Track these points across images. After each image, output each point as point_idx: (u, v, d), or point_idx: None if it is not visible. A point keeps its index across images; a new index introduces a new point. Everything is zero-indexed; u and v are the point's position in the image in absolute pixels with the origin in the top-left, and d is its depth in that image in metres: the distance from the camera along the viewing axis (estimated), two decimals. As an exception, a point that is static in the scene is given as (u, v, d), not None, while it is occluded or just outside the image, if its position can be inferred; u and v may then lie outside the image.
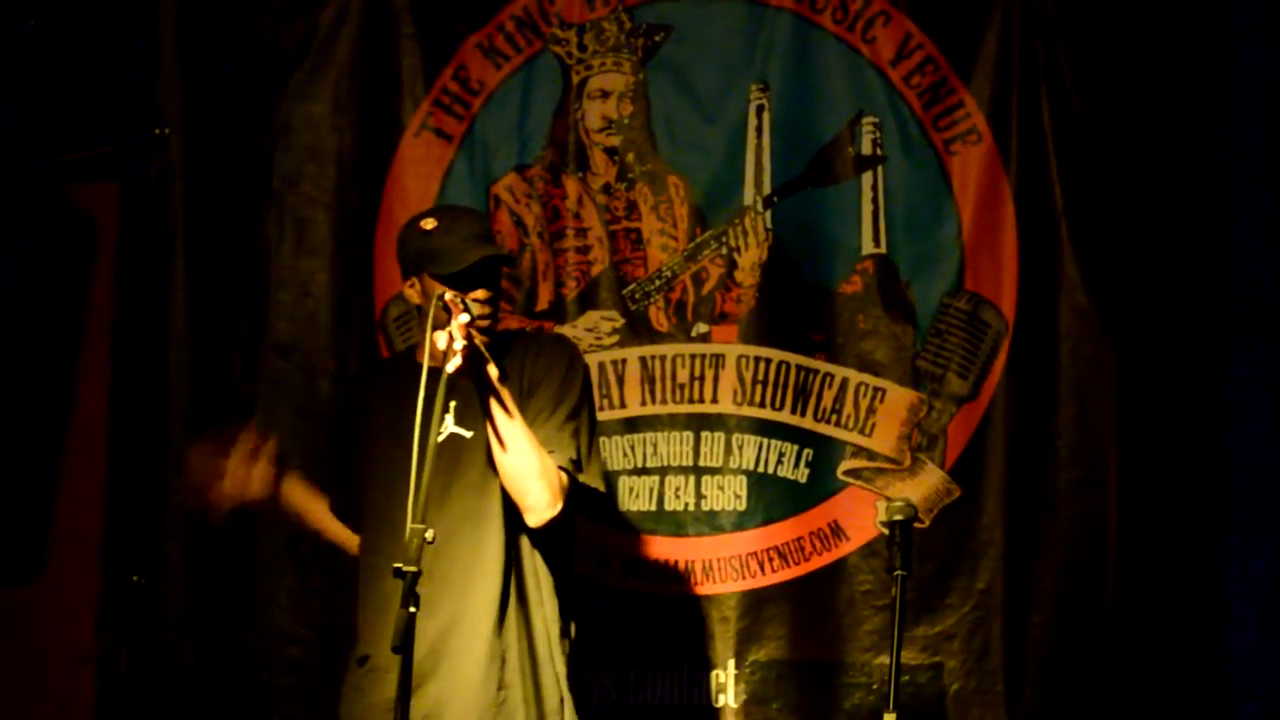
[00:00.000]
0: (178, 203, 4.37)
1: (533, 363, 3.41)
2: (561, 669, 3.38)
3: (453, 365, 3.08)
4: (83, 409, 4.40)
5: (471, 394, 3.22)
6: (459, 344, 3.07)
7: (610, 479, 4.29)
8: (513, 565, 3.33)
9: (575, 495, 3.36)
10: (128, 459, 4.34)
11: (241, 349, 4.36)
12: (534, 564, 3.37)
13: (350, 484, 3.53)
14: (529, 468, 3.26)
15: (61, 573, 4.37)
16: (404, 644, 2.88)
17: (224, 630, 4.26)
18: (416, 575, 2.90)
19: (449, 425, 3.26)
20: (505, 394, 3.24)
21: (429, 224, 3.39)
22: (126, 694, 4.25)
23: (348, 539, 3.60)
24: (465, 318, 3.09)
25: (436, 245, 3.35)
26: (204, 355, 4.35)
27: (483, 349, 3.17)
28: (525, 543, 3.36)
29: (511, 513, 3.33)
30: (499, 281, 3.43)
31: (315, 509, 3.64)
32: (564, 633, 3.42)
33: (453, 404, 3.20)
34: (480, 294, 3.34)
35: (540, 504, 3.28)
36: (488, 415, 3.23)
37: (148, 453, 4.30)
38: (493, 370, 3.20)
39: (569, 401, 3.39)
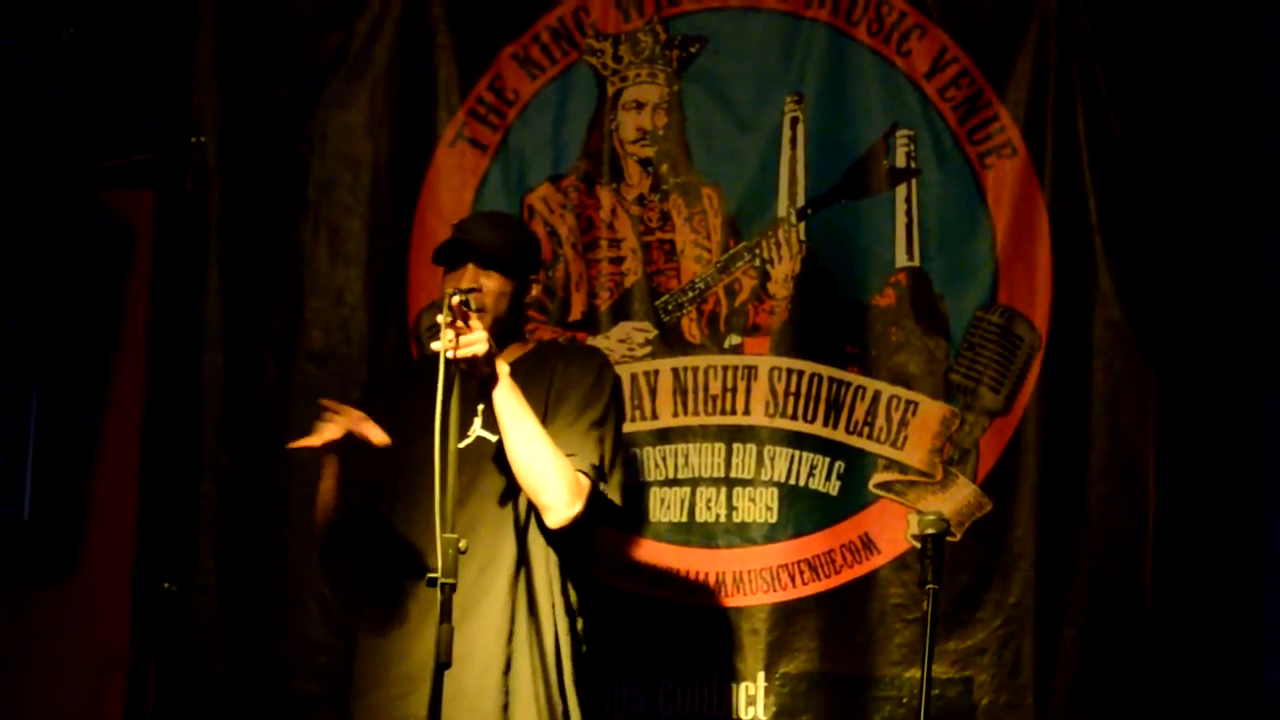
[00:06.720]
0: (213, 210, 4.37)
1: (563, 372, 3.42)
2: (570, 680, 3.37)
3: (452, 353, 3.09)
4: (117, 414, 4.41)
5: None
6: (453, 352, 3.09)
7: (635, 490, 4.28)
8: (521, 572, 3.32)
9: (594, 503, 3.35)
10: (161, 465, 4.35)
11: (275, 356, 4.36)
12: (547, 573, 3.36)
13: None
14: (544, 466, 3.25)
15: (93, 577, 4.38)
16: (448, 659, 2.87)
17: (254, 638, 4.26)
18: (453, 587, 2.90)
19: (476, 429, 3.27)
20: (516, 392, 3.23)
21: (457, 220, 3.59)
22: (157, 701, 4.26)
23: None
24: (443, 317, 3.10)
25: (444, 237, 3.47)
26: (238, 362, 4.35)
27: (482, 348, 3.16)
28: (538, 551, 3.35)
29: (526, 520, 3.32)
30: (496, 267, 3.40)
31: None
32: (576, 645, 3.41)
33: (480, 407, 3.20)
34: (465, 278, 3.34)
35: (557, 504, 3.27)
36: (497, 413, 3.23)
37: (181, 459, 4.31)
38: (501, 368, 3.21)
39: (595, 409, 3.40)
